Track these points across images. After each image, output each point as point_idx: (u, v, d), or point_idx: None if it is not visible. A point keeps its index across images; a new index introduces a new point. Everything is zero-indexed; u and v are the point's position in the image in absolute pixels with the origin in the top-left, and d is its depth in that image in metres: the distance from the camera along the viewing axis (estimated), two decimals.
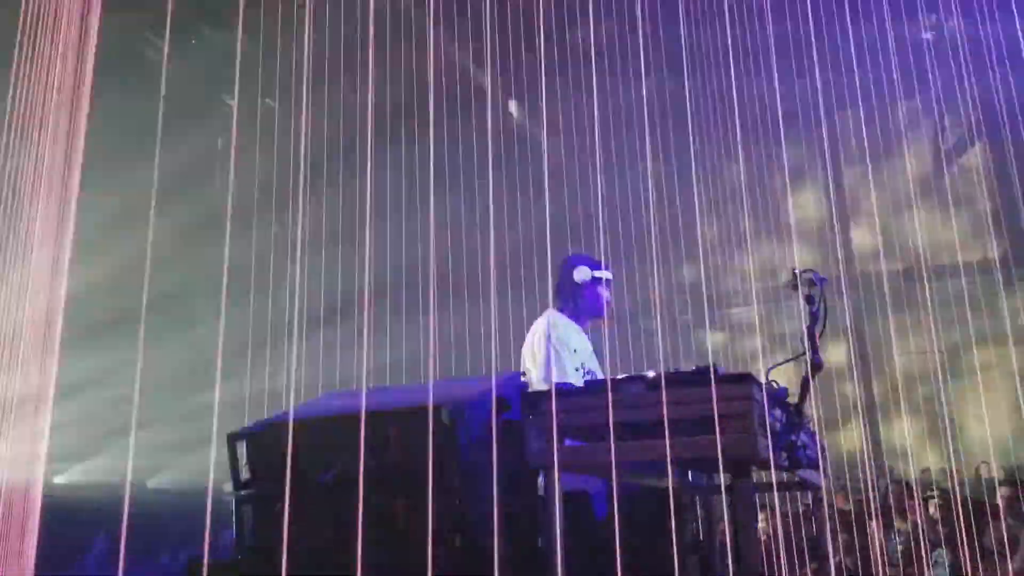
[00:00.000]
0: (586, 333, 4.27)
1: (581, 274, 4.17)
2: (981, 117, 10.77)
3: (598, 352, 4.29)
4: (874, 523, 7.43)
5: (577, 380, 3.80)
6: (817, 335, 3.19)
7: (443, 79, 8.09)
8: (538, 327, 4.14)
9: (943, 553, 6.61)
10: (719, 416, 2.58)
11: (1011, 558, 6.06)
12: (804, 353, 3.18)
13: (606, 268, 4.25)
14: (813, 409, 3.24)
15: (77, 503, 8.94)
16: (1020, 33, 6.70)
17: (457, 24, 8.58)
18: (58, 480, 9.89)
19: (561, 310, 4.20)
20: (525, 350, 4.15)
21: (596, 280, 4.18)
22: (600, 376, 4.16)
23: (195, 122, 8.55)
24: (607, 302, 4.25)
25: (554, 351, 4.00)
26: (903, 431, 12.50)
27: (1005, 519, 6.44)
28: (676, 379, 2.77)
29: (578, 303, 4.19)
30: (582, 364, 4.07)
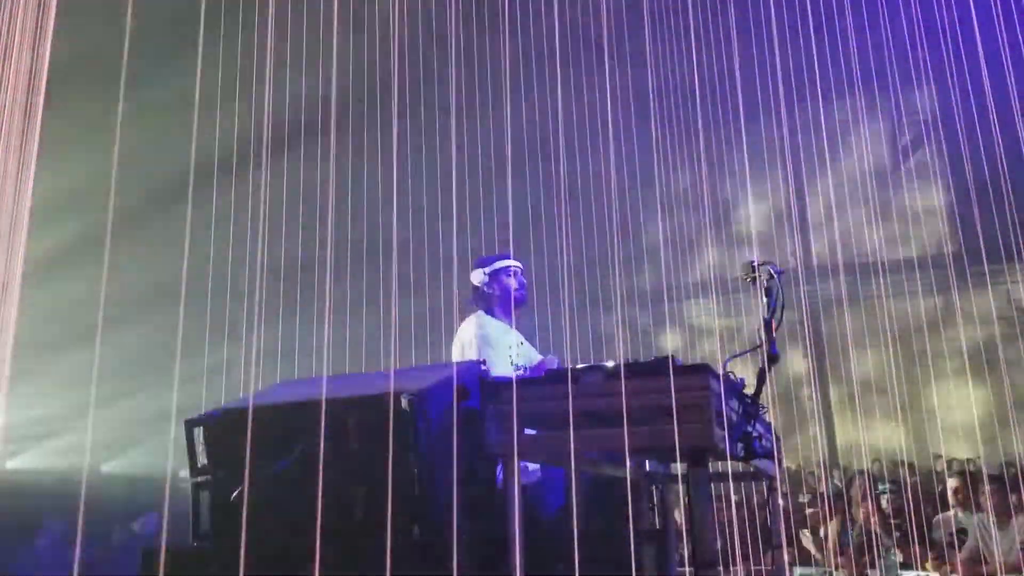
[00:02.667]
0: (520, 338, 4.32)
1: (477, 277, 4.27)
2: (938, 113, 10.94)
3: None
4: (828, 514, 7.53)
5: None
6: (774, 327, 3.22)
7: (405, 54, 8.06)
8: (466, 332, 4.17)
9: (894, 552, 6.73)
10: (677, 406, 2.61)
11: (959, 549, 6.18)
12: (761, 345, 3.21)
13: (503, 258, 4.31)
14: (768, 400, 3.28)
15: (26, 487, 8.84)
16: (976, 30, 6.80)
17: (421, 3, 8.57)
18: (10, 464, 9.76)
19: (484, 312, 4.26)
20: (455, 355, 4.18)
21: (495, 274, 4.25)
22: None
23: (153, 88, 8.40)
24: (520, 287, 4.31)
25: (489, 348, 4.04)
26: (857, 424, 12.69)
27: (954, 511, 6.56)
28: (635, 369, 2.79)
29: (489, 302, 4.25)
30: (514, 360, 4.12)
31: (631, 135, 10.07)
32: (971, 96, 7.96)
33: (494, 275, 4.27)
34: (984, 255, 10.20)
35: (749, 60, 8.73)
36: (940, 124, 11.35)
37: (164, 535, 2.40)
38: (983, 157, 7.88)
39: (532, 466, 3.52)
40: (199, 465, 3.24)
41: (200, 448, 3.26)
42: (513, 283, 4.29)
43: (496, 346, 4.06)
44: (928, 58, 8.41)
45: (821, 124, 11.17)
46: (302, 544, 2.61)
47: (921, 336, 11.66)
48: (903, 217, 12.89)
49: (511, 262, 4.34)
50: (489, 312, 4.25)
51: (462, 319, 4.31)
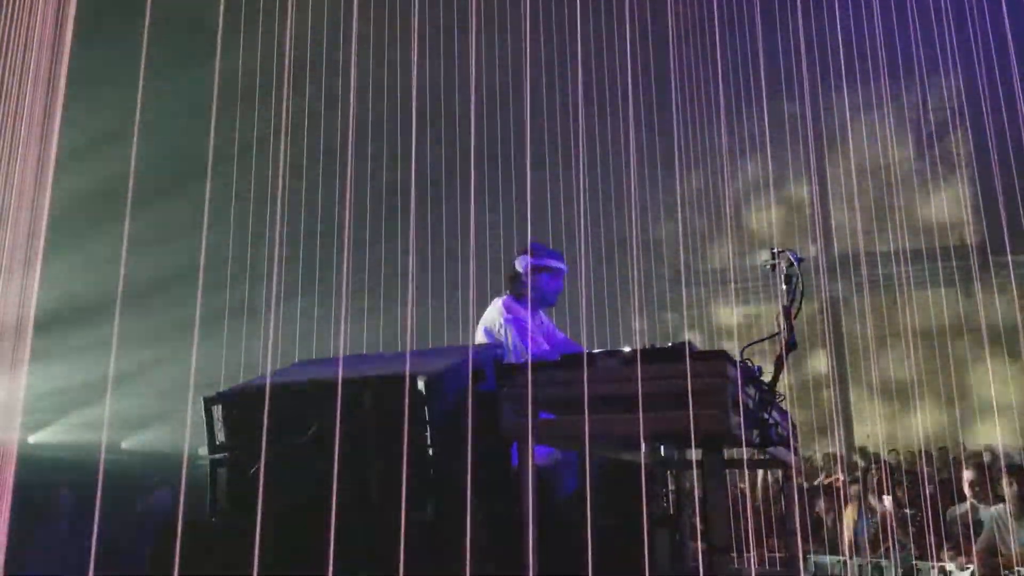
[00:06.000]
0: (540, 319, 4.30)
1: (521, 263, 4.22)
2: (964, 101, 10.81)
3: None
4: (845, 502, 7.51)
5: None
6: (793, 314, 3.21)
7: (426, 44, 8.06)
8: (492, 315, 4.16)
9: (911, 549, 6.72)
10: (692, 392, 2.60)
11: (974, 539, 6.15)
12: (779, 332, 3.20)
13: (554, 259, 4.26)
14: (786, 388, 3.27)
15: (45, 461, 8.94)
16: (1006, 19, 6.71)
17: None
18: (32, 439, 9.88)
19: (513, 297, 4.24)
20: (480, 338, 4.17)
21: (538, 269, 4.20)
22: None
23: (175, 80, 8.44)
24: (555, 291, 4.27)
25: (514, 330, 4.04)
26: (874, 412, 12.65)
27: (970, 502, 6.53)
28: (651, 355, 2.79)
29: (521, 291, 4.21)
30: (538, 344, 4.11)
31: (652, 121, 10.03)
32: (999, 83, 7.86)
33: (540, 270, 4.22)
34: (1008, 245, 10.10)
35: (772, 43, 8.66)
36: (966, 111, 11.22)
37: (181, 510, 2.42)
38: (1009, 145, 7.80)
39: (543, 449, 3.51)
40: (217, 442, 3.27)
41: (218, 425, 3.28)
42: (556, 284, 4.26)
43: (523, 331, 4.05)
44: (955, 43, 8.30)
45: (845, 109, 11.06)
46: (317, 521, 2.63)
47: (942, 326, 11.57)
48: (927, 206, 12.77)
49: (561, 266, 4.29)
50: (515, 298, 4.23)
51: (478, 302, 4.31)
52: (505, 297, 4.24)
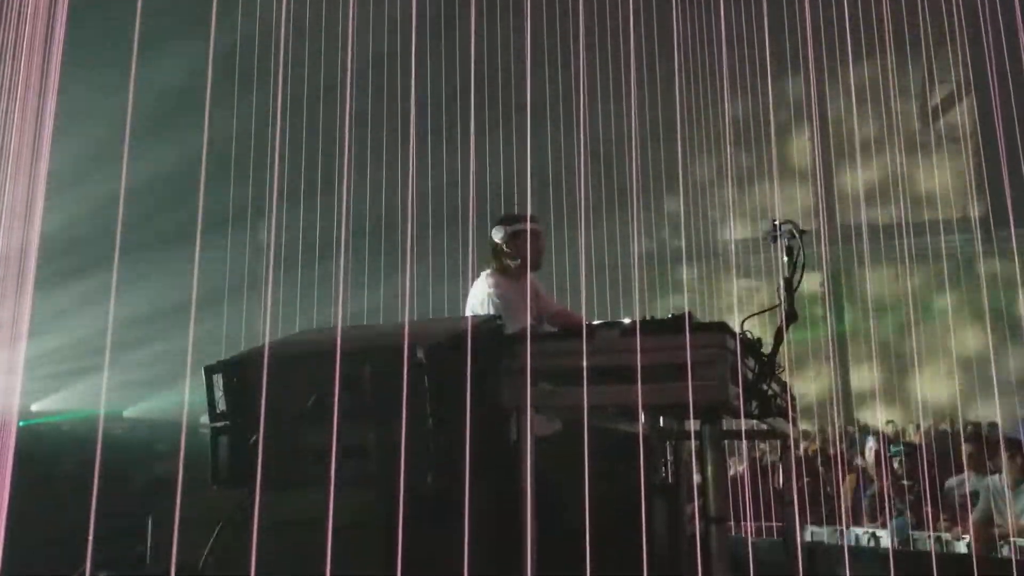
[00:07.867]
0: (531, 287, 4.29)
1: (496, 234, 4.22)
2: (971, 74, 10.74)
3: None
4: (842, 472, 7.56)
5: None
6: (794, 286, 3.21)
7: (426, 18, 8.01)
8: (479, 291, 4.16)
9: (906, 515, 6.75)
10: (692, 363, 2.61)
11: (971, 510, 6.19)
12: (780, 304, 3.20)
13: (527, 222, 4.25)
14: (785, 359, 3.27)
15: (50, 430, 8.99)
16: None
17: None
18: (34, 407, 9.92)
19: (496, 270, 4.23)
20: (469, 313, 4.17)
21: (514, 235, 4.19)
22: None
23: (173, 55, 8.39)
24: (536, 254, 4.26)
25: (504, 303, 4.04)
26: (874, 384, 12.68)
27: (967, 474, 6.56)
28: (651, 326, 2.79)
29: (503, 260, 4.21)
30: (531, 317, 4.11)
31: (655, 94, 9.96)
32: (1005, 54, 7.79)
33: (514, 237, 4.21)
34: (1011, 219, 10.08)
35: (778, 16, 8.57)
36: (972, 84, 11.14)
37: (180, 481, 2.43)
38: (1015, 117, 7.74)
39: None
40: (218, 411, 3.28)
41: (219, 394, 3.29)
42: (531, 248, 4.24)
43: (511, 305, 4.04)
44: (963, 15, 8.22)
45: (851, 82, 11.00)
46: (317, 492, 2.64)
47: (944, 299, 11.57)
48: (930, 179, 12.73)
49: (534, 226, 4.28)
50: (501, 271, 4.22)
51: (476, 277, 4.30)
52: (489, 271, 4.23)
